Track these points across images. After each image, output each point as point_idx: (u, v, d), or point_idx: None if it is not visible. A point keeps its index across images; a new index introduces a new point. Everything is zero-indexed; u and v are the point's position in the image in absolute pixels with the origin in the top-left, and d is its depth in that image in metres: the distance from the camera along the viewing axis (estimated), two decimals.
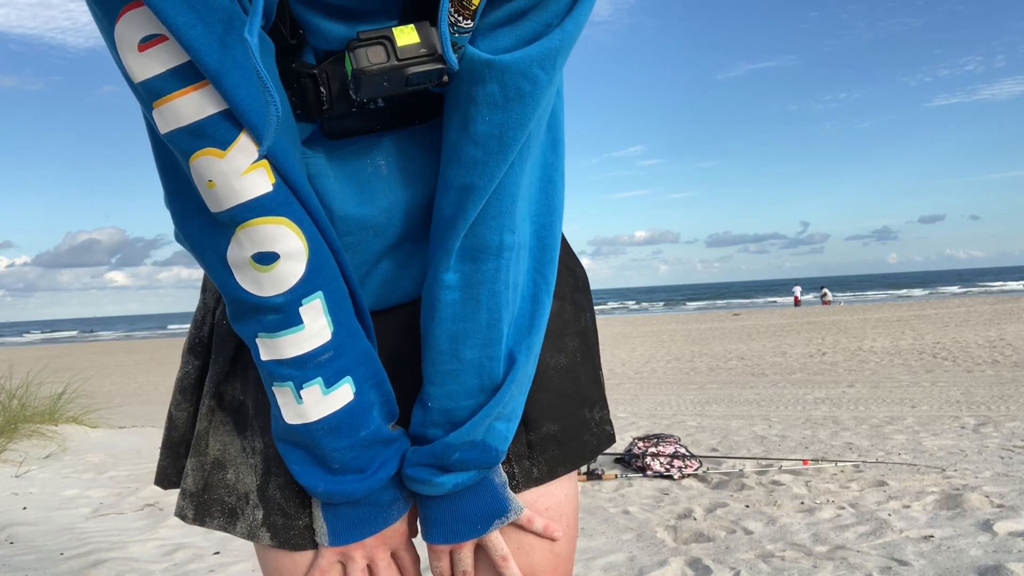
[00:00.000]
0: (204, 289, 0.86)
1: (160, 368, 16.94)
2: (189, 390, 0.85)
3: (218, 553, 2.95)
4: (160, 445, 0.88)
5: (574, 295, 0.89)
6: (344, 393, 0.71)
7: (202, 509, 0.81)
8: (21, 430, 5.45)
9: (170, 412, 0.86)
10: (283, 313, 0.68)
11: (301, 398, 0.70)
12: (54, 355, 23.68)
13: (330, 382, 0.70)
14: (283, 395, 0.71)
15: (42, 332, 69.96)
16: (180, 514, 0.82)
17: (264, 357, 0.70)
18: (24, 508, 3.81)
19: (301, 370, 0.69)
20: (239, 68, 0.61)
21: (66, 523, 3.52)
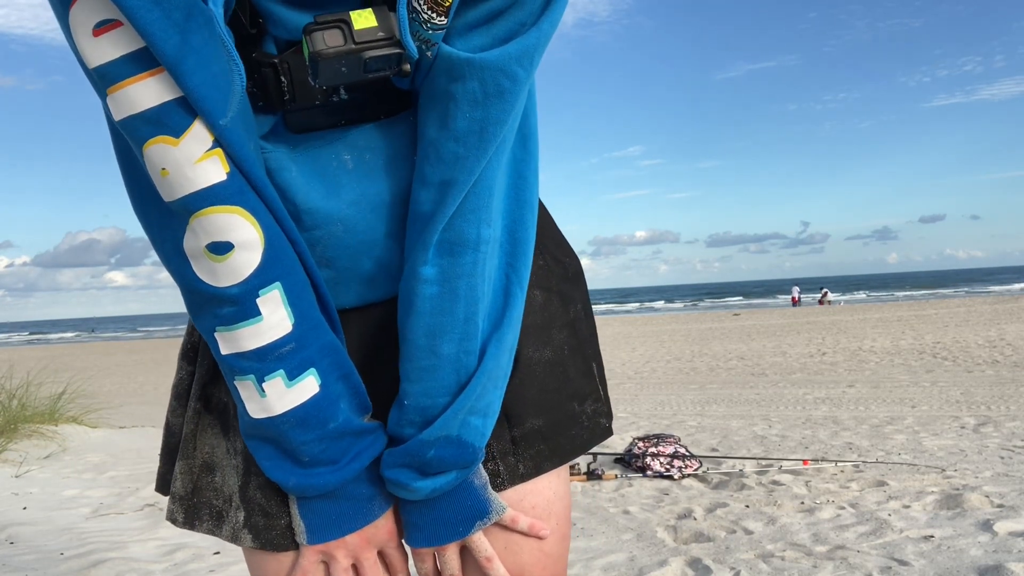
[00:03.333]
0: None
1: (160, 368, 16.94)
2: (183, 395, 0.84)
3: (218, 553, 2.95)
4: (160, 451, 0.87)
5: (562, 286, 0.87)
6: (309, 385, 0.70)
7: (192, 512, 0.80)
8: (21, 430, 5.45)
9: (167, 419, 0.86)
10: (239, 304, 0.67)
11: (264, 391, 0.69)
12: (54, 355, 23.69)
13: (293, 374, 0.70)
14: (246, 389, 0.70)
15: (30, 333, 69.24)
16: (171, 518, 0.81)
17: (224, 351, 0.69)
18: (24, 508, 3.82)
19: (262, 362, 0.69)
20: (195, 54, 0.61)
21: (66, 523, 3.52)
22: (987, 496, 3.34)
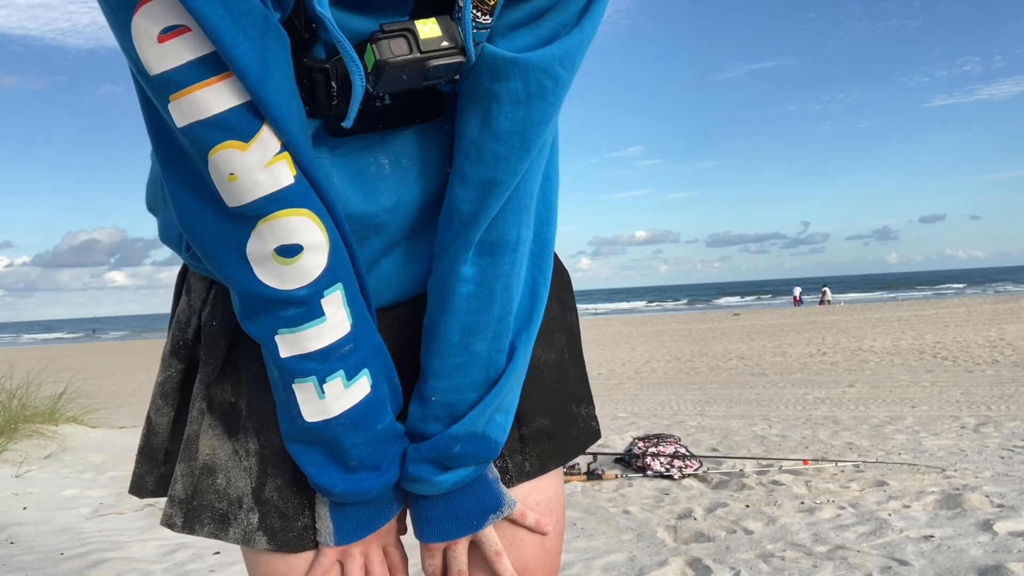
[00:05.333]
0: (188, 291, 0.84)
1: None
2: (171, 394, 0.83)
3: (218, 553, 2.95)
4: (137, 451, 0.86)
5: (559, 293, 0.90)
6: (362, 386, 0.72)
7: (191, 516, 0.79)
8: (21, 430, 5.45)
9: (149, 417, 0.84)
10: (306, 306, 0.67)
11: (324, 392, 0.70)
12: (54, 355, 23.68)
13: (351, 374, 0.71)
14: (304, 391, 0.70)
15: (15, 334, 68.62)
16: (168, 523, 0.80)
17: (284, 354, 0.69)
18: (24, 508, 3.81)
19: (324, 363, 0.69)
20: (262, 60, 0.61)
21: (66, 523, 3.52)
22: (987, 496, 3.34)
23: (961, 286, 54.93)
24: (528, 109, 0.69)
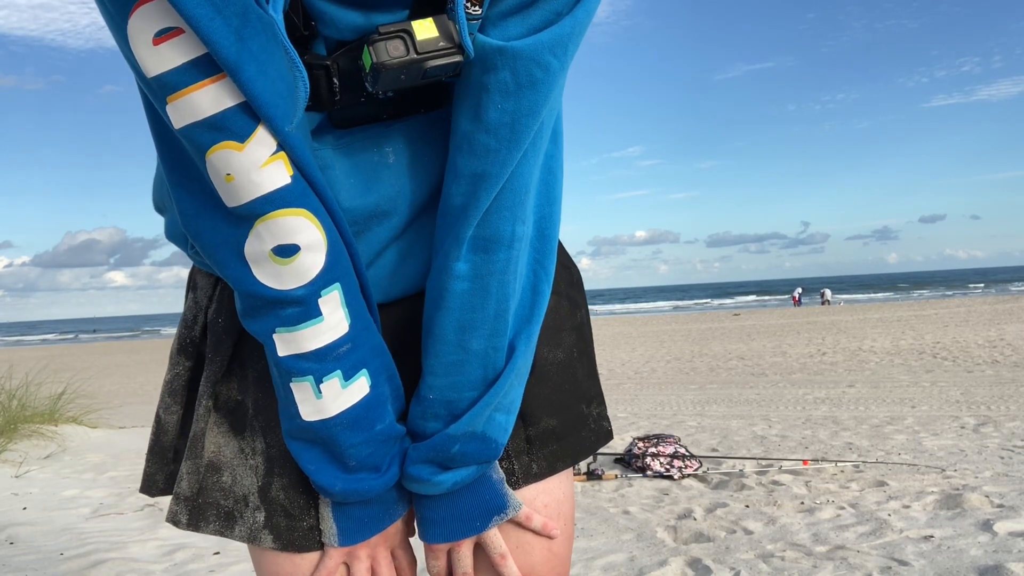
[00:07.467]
0: (194, 288, 0.84)
1: (160, 368, 16.92)
2: (179, 392, 0.83)
3: (218, 553, 2.95)
4: (147, 450, 0.85)
5: (569, 291, 0.89)
6: (361, 386, 0.71)
7: (196, 514, 0.79)
8: (21, 430, 5.45)
9: (158, 415, 0.84)
10: (303, 305, 0.67)
11: (321, 392, 0.70)
12: (54, 355, 23.69)
13: (348, 375, 0.70)
14: (302, 391, 0.70)
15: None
16: (173, 520, 0.79)
17: (282, 353, 0.69)
18: (24, 508, 3.81)
19: (321, 363, 0.69)
20: (255, 60, 0.61)
21: (66, 523, 3.52)
22: (987, 496, 3.34)
23: (961, 287, 54.91)
24: (518, 100, 0.67)
